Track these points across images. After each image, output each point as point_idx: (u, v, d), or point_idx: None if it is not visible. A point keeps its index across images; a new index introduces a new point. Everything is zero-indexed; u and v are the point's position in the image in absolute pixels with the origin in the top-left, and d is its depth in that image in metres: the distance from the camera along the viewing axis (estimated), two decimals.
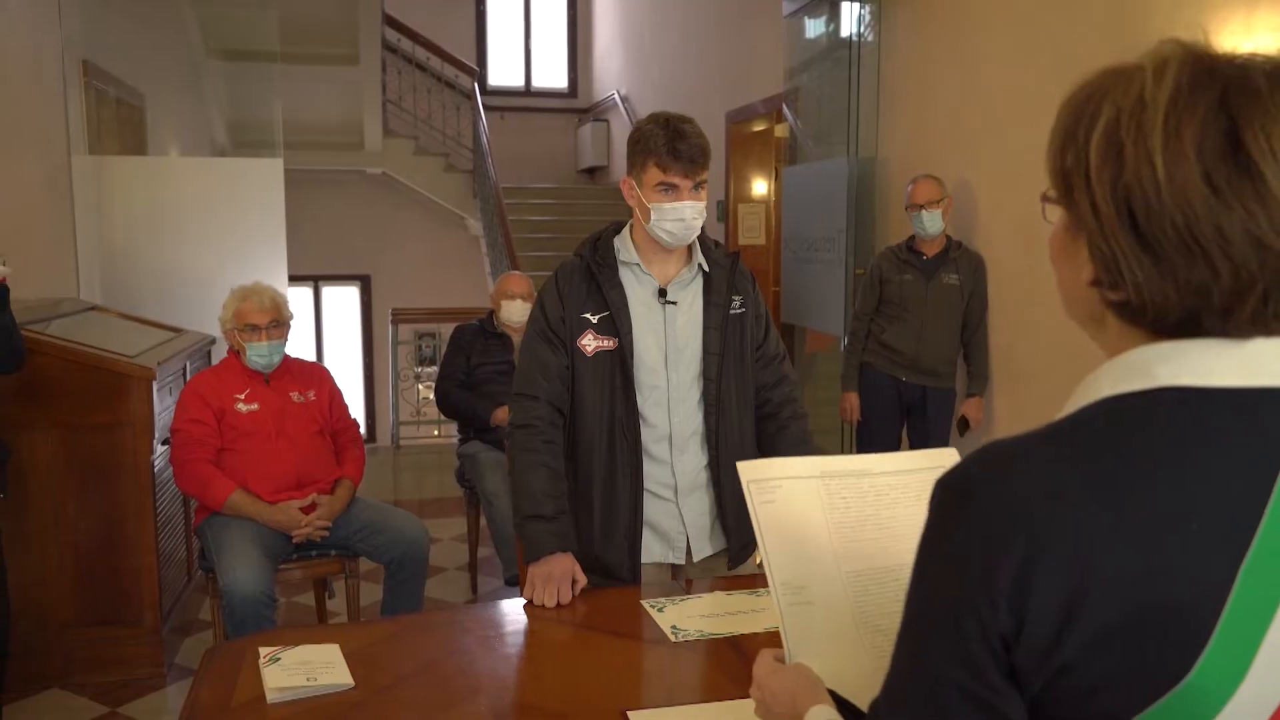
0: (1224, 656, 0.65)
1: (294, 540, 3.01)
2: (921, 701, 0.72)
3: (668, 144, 1.97)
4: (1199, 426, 0.68)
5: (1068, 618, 0.66)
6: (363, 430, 3.55)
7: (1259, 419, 0.68)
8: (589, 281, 2.09)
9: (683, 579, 2.16)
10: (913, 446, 4.13)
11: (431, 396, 4.25)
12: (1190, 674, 0.66)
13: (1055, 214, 0.77)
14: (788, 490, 1.25)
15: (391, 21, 8.62)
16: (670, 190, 2.00)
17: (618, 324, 2.07)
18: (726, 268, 2.15)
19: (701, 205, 2.05)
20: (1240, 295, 0.67)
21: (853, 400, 4.14)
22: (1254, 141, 0.66)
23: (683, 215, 2.02)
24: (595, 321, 2.08)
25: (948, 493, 0.73)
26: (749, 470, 1.25)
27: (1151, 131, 0.68)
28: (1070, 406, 0.74)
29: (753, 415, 2.20)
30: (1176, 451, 0.68)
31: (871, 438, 4.15)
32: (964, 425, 4.06)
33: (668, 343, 2.10)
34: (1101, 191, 0.70)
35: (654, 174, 2.00)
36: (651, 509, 2.11)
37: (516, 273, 4.23)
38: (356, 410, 9.14)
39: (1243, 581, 0.65)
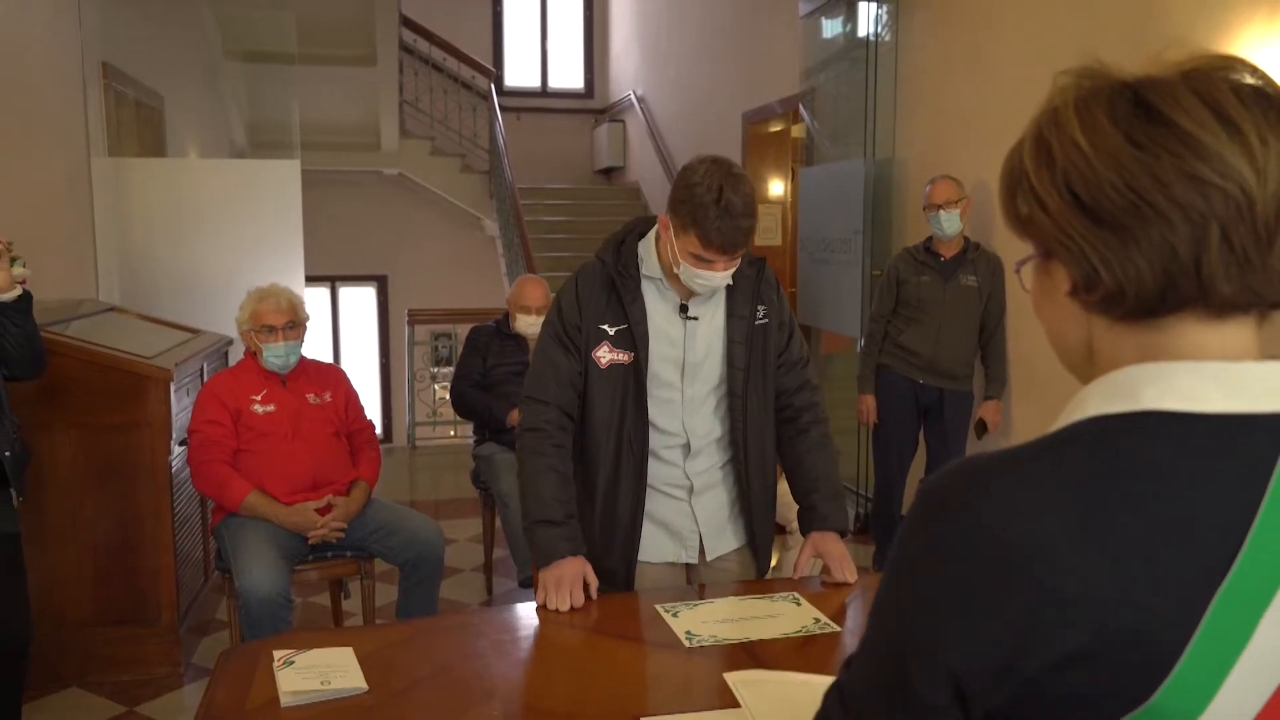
0: (1190, 682, 0.65)
1: (309, 541, 3.02)
2: (879, 703, 0.74)
3: (716, 225, 1.87)
4: (1181, 451, 0.68)
5: (1029, 638, 0.66)
6: (379, 430, 3.56)
7: (1243, 445, 0.68)
8: (609, 291, 2.05)
9: (696, 581, 2.15)
10: (929, 450, 4.10)
11: (447, 397, 4.25)
12: (1153, 697, 0.65)
13: (1029, 277, 0.81)
14: (773, 682, 1.55)
15: (408, 22, 8.65)
16: (705, 263, 1.94)
17: (635, 339, 2.03)
18: (751, 277, 2.10)
19: (734, 268, 1.99)
20: (1201, 241, 0.68)
21: (869, 403, 4.12)
22: (1160, 100, 0.70)
23: (713, 280, 1.97)
24: (612, 334, 2.04)
25: (922, 504, 0.74)
26: (736, 676, 1.55)
27: (1068, 121, 0.72)
28: (1059, 423, 0.74)
29: (773, 420, 2.17)
30: (1155, 476, 0.67)
31: (888, 440, 4.13)
32: (981, 428, 4.03)
33: (685, 357, 2.06)
34: (1044, 190, 0.73)
35: (693, 243, 1.92)
36: (663, 508, 2.10)
37: (533, 279, 4.20)
38: (373, 410, 9.19)
39: (1216, 609, 0.64)
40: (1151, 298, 0.71)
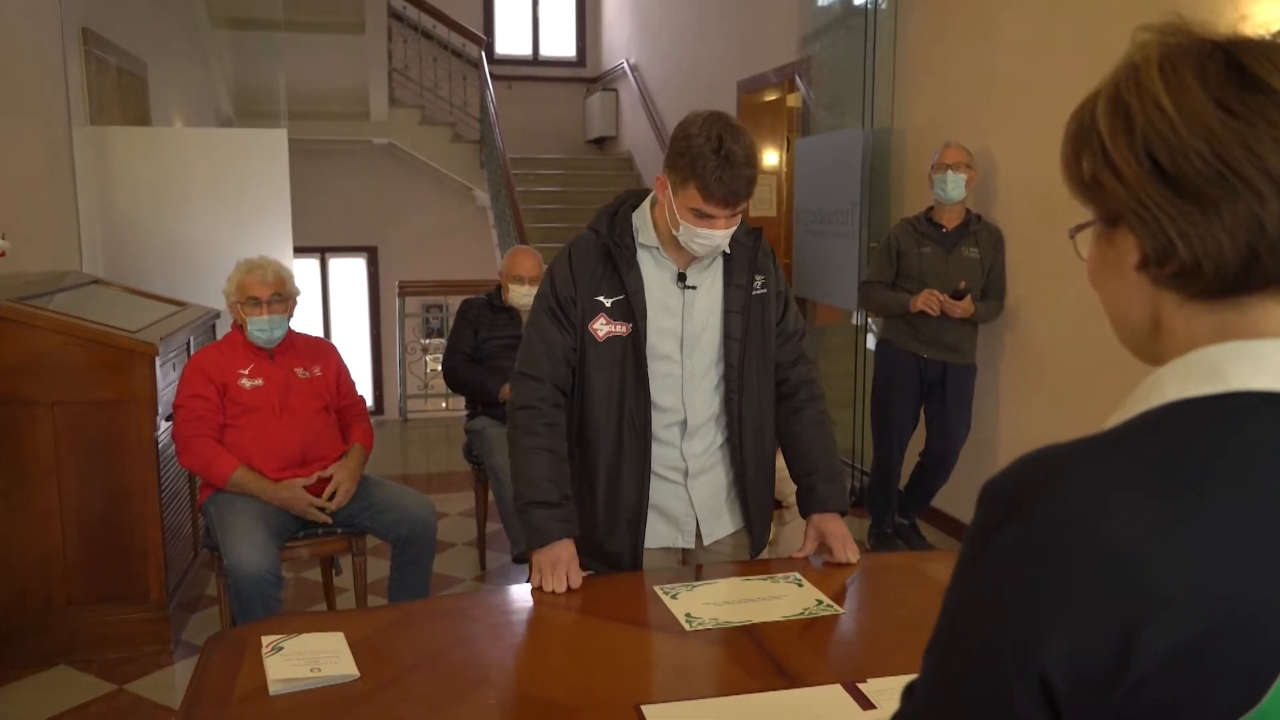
0: None
1: (308, 519, 2.97)
2: None
3: (716, 174, 1.81)
4: (1277, 432, 0.63)
5: (1129, 642, 0.61)
6: (370, 403, 3.51)
7: None
8: (605, 262, 1.99)
9: (694, 564, 2.11)
10: (929, 425, 4.06)
11: (439, 369, 4.19)
12: (1264, 699, 0.60)
13: (1085, 244, 0.75)
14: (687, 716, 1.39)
15: None
16: (706, 219, 1.88)
17: (634, 309, 1.97)
18: (749, 246, 2.04)
19: (735, 226, 1.93)
20: None
21: (926, 294, 3.80)
22: (1256, 64, 0.64)
23: (713, 239, 1.91)
24: (609, 305, 1.98)
25: (993, 503, 0.68)
26: (653, 710, 1.41)
27: (1151, 82, 0.66)
28: (1130, 410, 0.68)
29: (773, 395, 2.12)
30: (1249, 460, 0.62)
31: (888, 414, 4.07)
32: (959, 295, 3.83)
33: (684, 328, 2.00)
34: (1121, 156, 0.68)
35: (693, 197, 1.85)
36: (658, 492, 2.05)
37: (525, 249, 4.13)
38: (364, 383, 9.11)
39: None
40: (1231, 275, 0.66)
